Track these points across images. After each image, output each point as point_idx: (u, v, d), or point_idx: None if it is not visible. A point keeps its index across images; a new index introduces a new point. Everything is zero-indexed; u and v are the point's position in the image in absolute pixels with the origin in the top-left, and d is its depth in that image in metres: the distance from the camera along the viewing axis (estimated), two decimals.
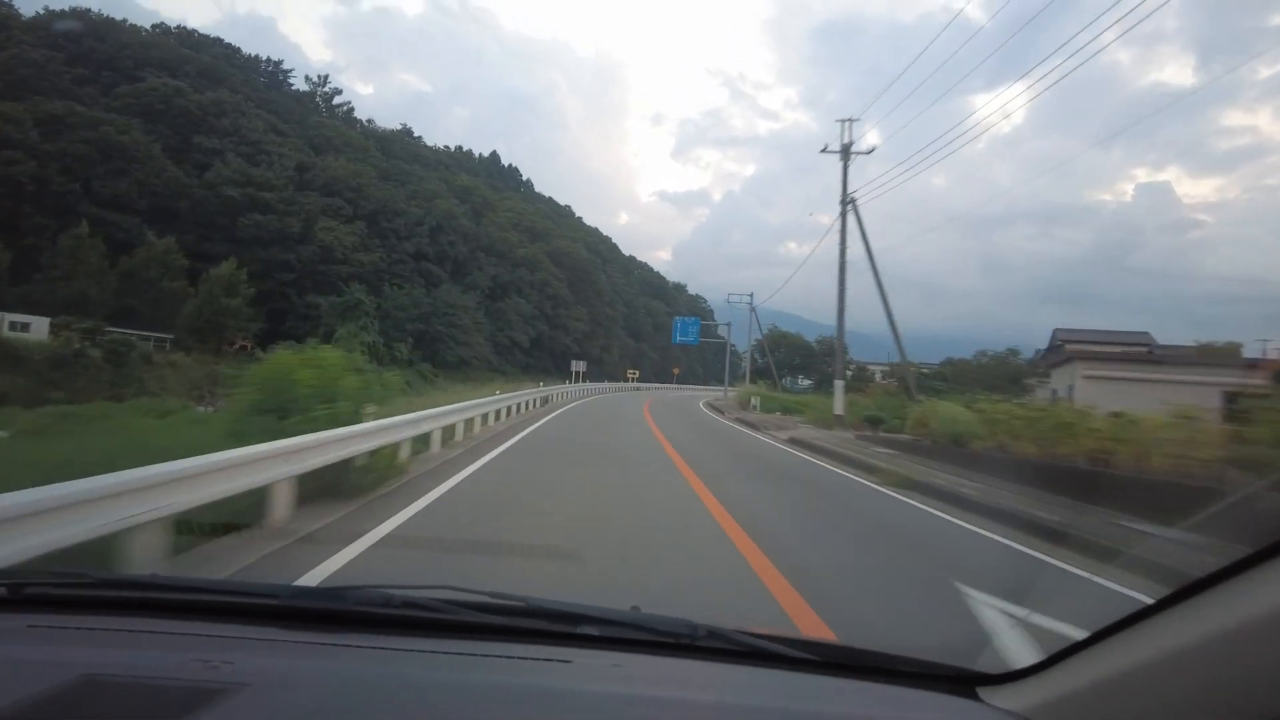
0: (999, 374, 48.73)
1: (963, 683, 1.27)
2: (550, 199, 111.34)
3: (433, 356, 54.87)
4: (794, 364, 60.70)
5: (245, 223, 47.95)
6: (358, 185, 57.90)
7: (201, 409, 20.68)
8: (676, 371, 71.66)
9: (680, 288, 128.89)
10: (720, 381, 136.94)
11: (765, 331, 51.83)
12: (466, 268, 63.83)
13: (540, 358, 70.38)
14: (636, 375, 54.13)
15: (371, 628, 1.36)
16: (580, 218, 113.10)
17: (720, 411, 33.81)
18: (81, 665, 1.08)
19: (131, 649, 1.26)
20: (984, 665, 1.31)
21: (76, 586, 1.53)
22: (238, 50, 75.51)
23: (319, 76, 72.02)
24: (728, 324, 49.57)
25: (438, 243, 62.12)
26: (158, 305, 42.65)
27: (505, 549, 5.60)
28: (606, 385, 53.33)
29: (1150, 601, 1.03)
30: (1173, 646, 0.94)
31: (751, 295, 45.35)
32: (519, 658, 1.29)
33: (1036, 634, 2.88)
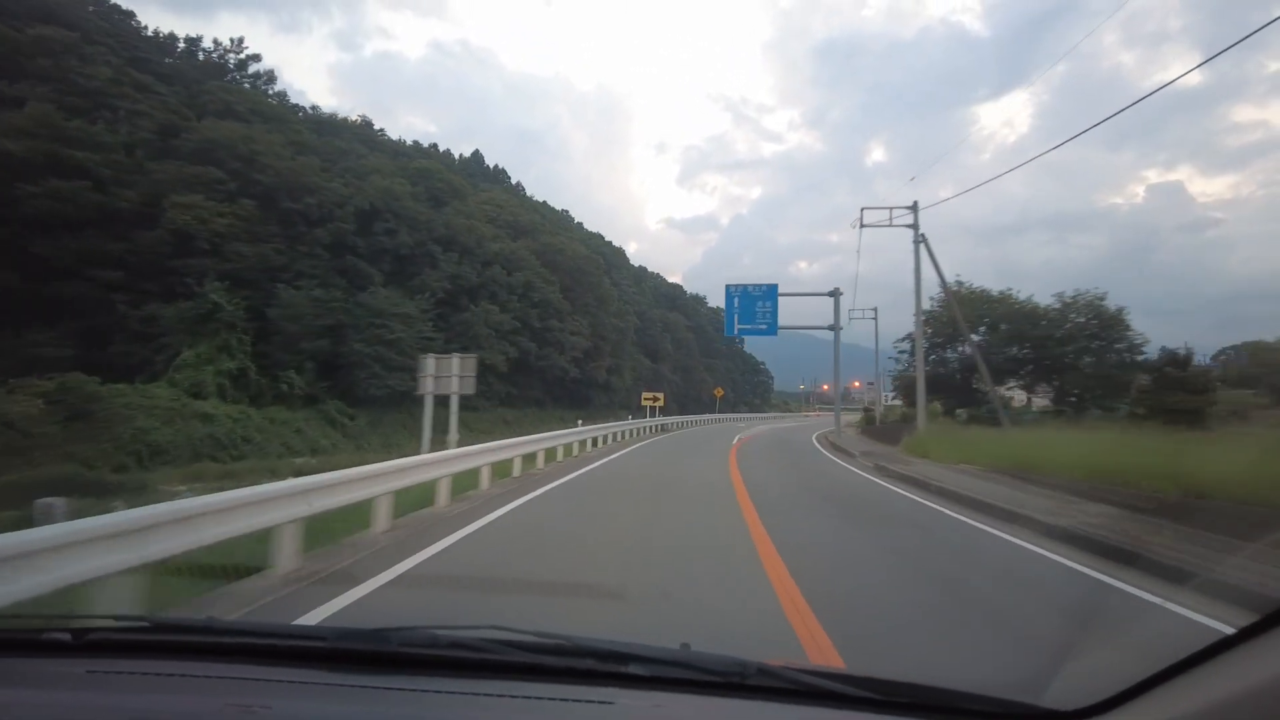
0: None
1: None
2: (545, 203, 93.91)
3: (348, 389, 36.95)
4: (1003, 358, 30.06)
5: (32, 192, 30.67)
6: (249, 154, 40.72)
7: None
8: (720, 394, 52.19)
9: (700, 299, 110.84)
10: (774, 408, 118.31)
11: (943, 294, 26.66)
12: (414, 265, 46.21)
13: (525, 384, 52.35)
14: (659, 403, 36.07)
15: (416, 669, 1.37)
16: (580, 223, 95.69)
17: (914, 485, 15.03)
18: (132, 711, 1.16)
19: (179, 694, 1.32)
20: (1053, 700, 1.27)
21: (135, 631, 1.61)
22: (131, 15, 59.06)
23: (231, 40, 54.05)
24: (836, 291, 27.22)
25: (370, 232, 44.62)
26: None
27: None
28: (627, 425, 35.48)
29: (1230, 631, 0.99)
30: (1266, 678, 0.89)
31: (915, 205, 22.11)
32: (562, 699, 1.30)
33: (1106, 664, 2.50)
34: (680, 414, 60.57)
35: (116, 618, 1.87)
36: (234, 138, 40.84)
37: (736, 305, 27.11)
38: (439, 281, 45.75)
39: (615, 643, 1.43)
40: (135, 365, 31.22)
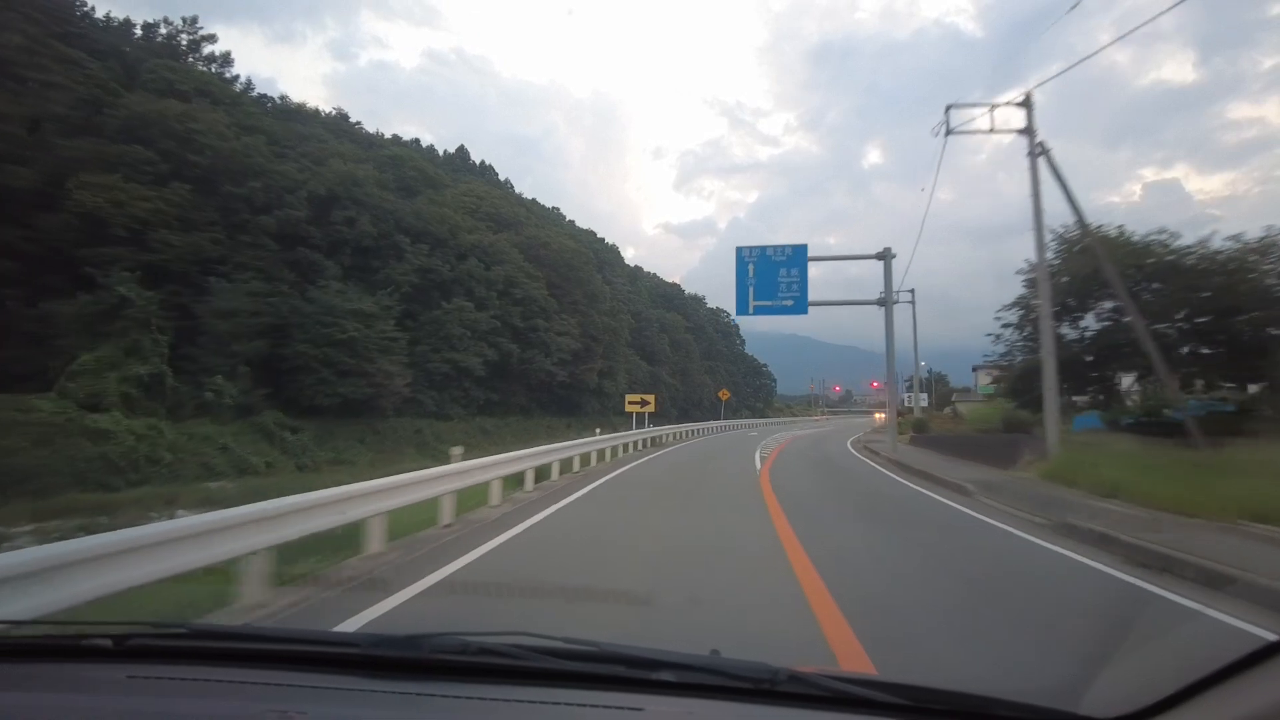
0: None
1: None
2: (535, 200, 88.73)
3: (293, 398, 31.85)
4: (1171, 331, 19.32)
5: None
6: (186, 133, 35.73)
7: None
8: (725, 397, 46.42)
9: (699, 299, 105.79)
10: (776, 411, 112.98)
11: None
12: (377, 258, 41.16)
13: (507, 390, 47.26)
14: (649, 407, 29.70)
15: (448, 675, 1.38)
16: (572, 221, 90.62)
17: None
18: (174, 716, 1.18)
19: (217, 699, 1.33)
20: (1089, 708, 1.24)
21: (174, 638, 1.64)
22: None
23: (183, 19, 49.21)
24: (886, 252, 21.42)
25: (327, 221, 39.61)
26: None
27: None
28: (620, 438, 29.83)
29: (1275, 638, 0.99)
30: None
31: (1029, 98, 15.02)
32: (591, 705, 1.31)
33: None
34: (679, 421, 55.45)
35: (154, 624, 1.92)
36: (168, 114, 35.84)
37: (751, 275, 20.53)
38: (405, 275, 40.66)
39: (643, 649, 1.43)
40: (27, 373, 26.11)
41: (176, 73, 44.51)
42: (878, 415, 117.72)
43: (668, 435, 31.06)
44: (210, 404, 27.80)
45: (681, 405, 78.46)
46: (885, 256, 21.77)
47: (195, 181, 34.91)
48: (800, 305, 20.96)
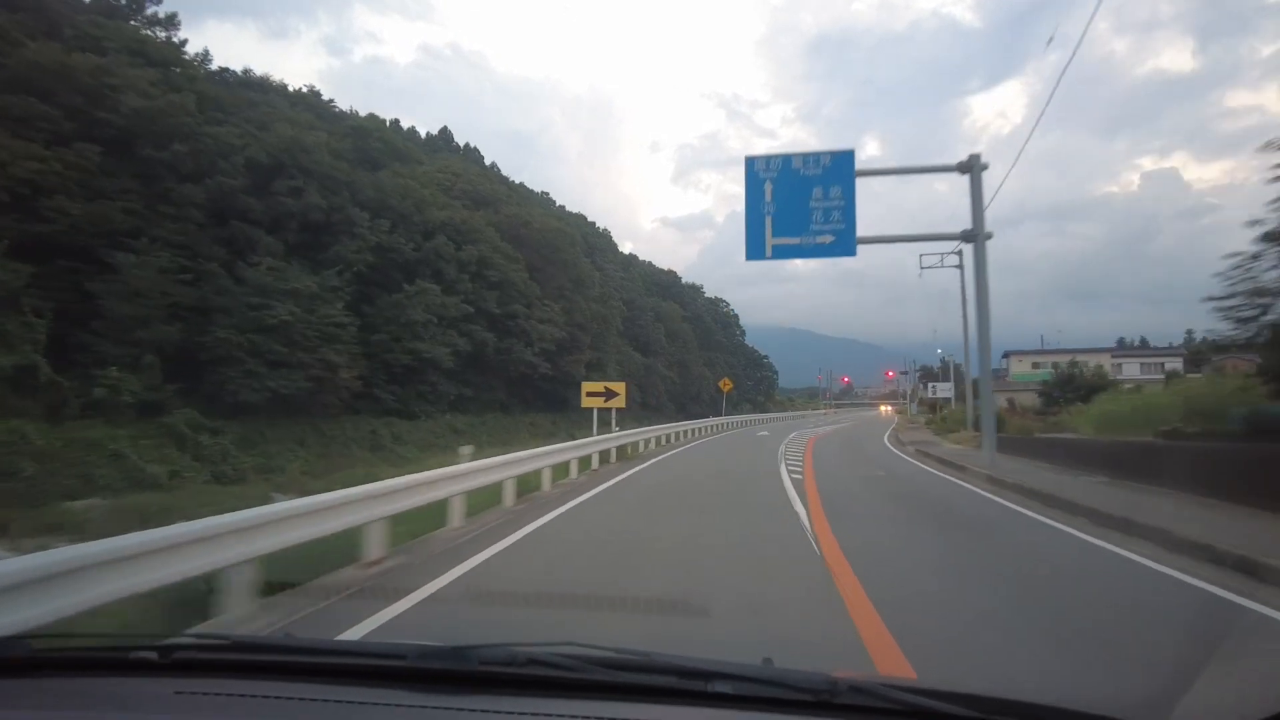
0: None
1: None
2: (521, 184, 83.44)
3: (215, 394, 26.91)
4: None
5: None
6: (98, 88, 30.75)
7: None
8: (728, 387, 40.20)
9: (696, 288, 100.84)
10: (778, 405, 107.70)
11: None
12: (328, 234, 36.18)
13: (482, 384, 42.33)
14: (617, 401, 21.54)
15: (497, 688, 1.35)
16: (562, 206, 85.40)
17: None
18: None
19: (266, 715, 1.32)
20: None
21: (217, 650, 1.62)
22: None
23: None
24: (973, 160, 14.50)
25: (268, 191, 34.62)
26: None
27: None
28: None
29: None
30: None
31: None
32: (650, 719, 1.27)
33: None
34: (676, 417, 50.68)
35: (197, 635, 2.03)
36: (79, 68, 30.85)
37: (769, 199, 13.91)
38: (359, 254, 35.68)
39: (697, 660, 1.39)
40: None
41: (104, 29, 39.43)
42: (883, 408, 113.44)
43: (650, 440, 22.77)
44: (103, 402, 22.88)
45: (679, 399, 73.63)
46: (973, 168, 14.69)
47: (108, 144, 29.94)
48: (845, 242, 14.10)
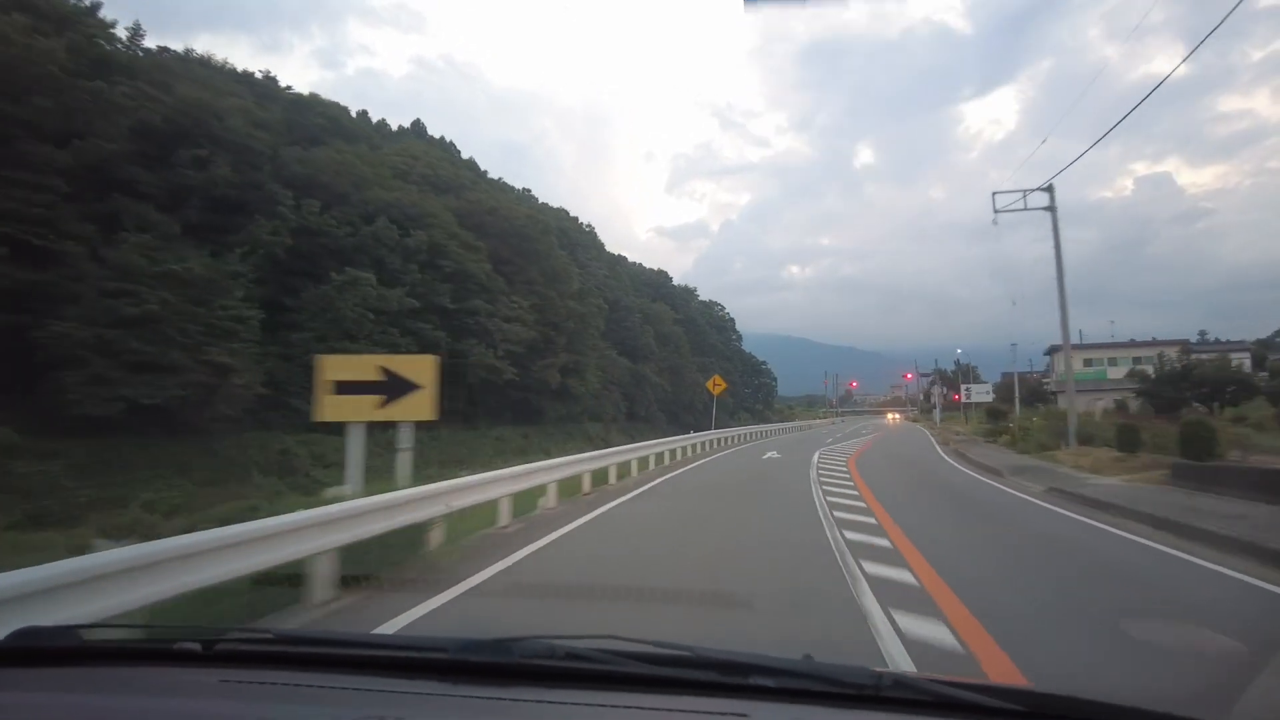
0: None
1: None
2: (502, 180, 77.01)
3: (51, 406, 20.70)
4: None
5: None
6: None
7: None
8: (719, 389, 32.49)
9: (690, 290, 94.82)
10: (777, 414, 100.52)
11: None
12: (241, 213, 30.08)
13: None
14: (402, 396, 6.17)
15: (537, 680, 1.34)
16: (546, 203, 79.15)
17: None
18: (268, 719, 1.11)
19: (311, 704, 1.32)
20: None
21: (260, 642, 1.63)
22: None
23: None
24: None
25: (166, 162, 28.60)
26: None
27: None
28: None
29: None
30: None
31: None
32: (690, 711, 1.24)
33: None
34: (668, 430, 44.74)
35: (240, 628, 1.98)
36: None
37: None
38: (276, 235, 29.62)
39: (737, 653, 1.37)
40: None
41: None
42: (891, 416, 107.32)
43: (608, 467, 13.93)
44: None
45: (671, 408, 67.54)
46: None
47: None
48: None
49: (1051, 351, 50.58)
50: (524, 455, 39.48)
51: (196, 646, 1.48)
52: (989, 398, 44.94)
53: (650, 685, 1.32)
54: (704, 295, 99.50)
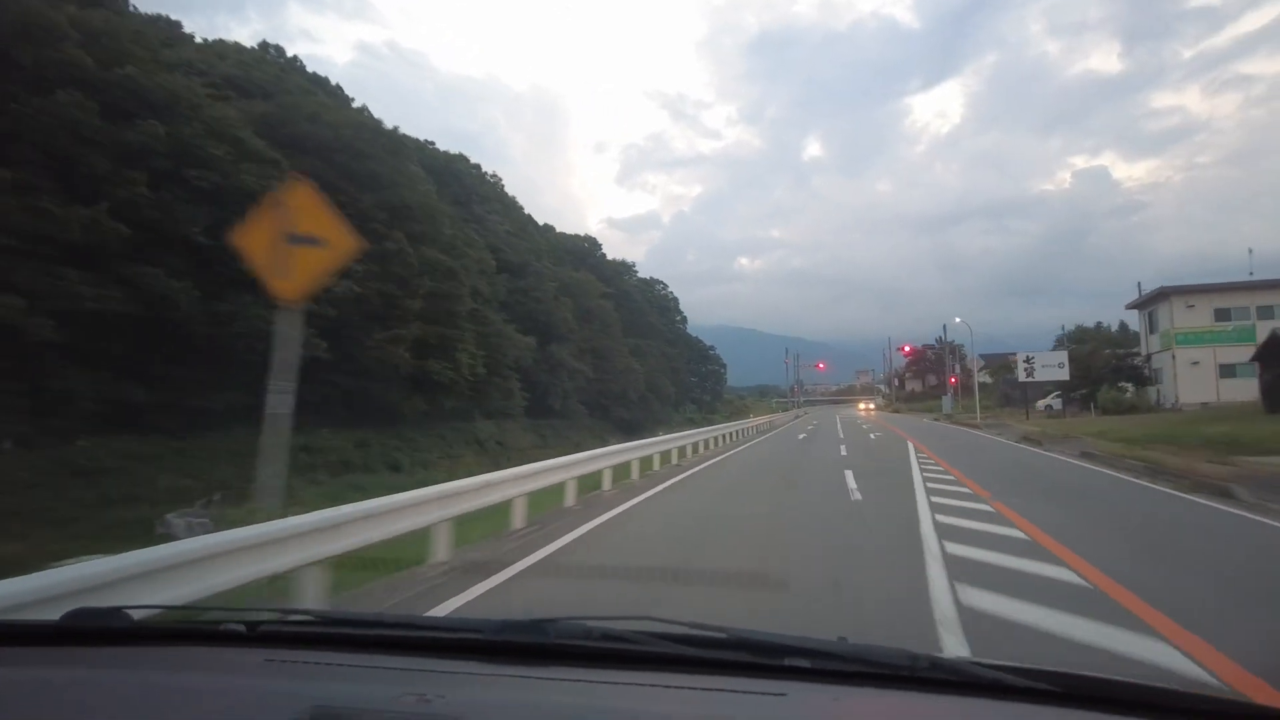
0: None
1: None
2: (433, 144, 62.67)
3: None
4: None
5: None
6: None
7: None
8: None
9: (628, 265, 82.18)
10: (727, 405, 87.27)
11: None
12: None
13: (178, 381, 22.96)
14: None
15: (573, 661, 1.36)
16: (463, 155, 65.25)
17: None
18: (311, 698, 1.16)
19: (353, 683, 1.33)
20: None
21: (302, 624, 1.68)
22: None
23: None
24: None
25: None
26: None
27: None
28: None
29: None
30: None
31: None
32: (728, 690, 1.24)
33: None
34: (595, 428, 32.44)
35: (283, 610, 2.00)
36: None
37: None
38: None
39: (774, 635, 1.38)
40: None
41: None
42: (861, 406, 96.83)
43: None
44: None
45: (595, 400, 54.93)
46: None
47: None
48: None
49: (1159, 296, 36.68)
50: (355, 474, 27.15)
51: (241, 628, 1.51)
52: (1062, 373, 33.07)
53: (686, 666, 1.32)
54: (645, 274, 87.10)
